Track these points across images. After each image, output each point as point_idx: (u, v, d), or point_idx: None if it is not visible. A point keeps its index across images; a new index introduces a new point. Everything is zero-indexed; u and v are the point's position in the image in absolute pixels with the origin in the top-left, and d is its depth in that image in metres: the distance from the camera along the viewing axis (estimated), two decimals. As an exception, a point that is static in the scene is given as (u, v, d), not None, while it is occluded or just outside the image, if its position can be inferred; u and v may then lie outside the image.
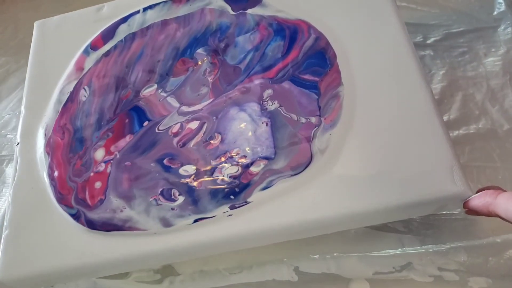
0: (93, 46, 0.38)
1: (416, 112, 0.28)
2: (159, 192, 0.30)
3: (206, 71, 0.34)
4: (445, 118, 0.38)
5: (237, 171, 0.30)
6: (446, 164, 0.27)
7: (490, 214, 0.25)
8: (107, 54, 0.37)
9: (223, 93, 0.33)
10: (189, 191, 0.30)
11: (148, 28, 0.38)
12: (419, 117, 0.28)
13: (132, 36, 0.37)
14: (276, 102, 0.31)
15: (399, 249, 0.31)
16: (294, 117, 0.30)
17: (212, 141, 0.31)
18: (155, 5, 0.38)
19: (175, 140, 0.32)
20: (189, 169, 0.31)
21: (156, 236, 0.29)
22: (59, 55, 0.38)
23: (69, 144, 0.34)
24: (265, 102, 0.32)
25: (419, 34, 0.45)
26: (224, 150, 0.31)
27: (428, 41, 0.44)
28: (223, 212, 0.28)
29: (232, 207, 0.28)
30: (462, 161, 0.36)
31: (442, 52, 0.43)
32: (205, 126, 0.32)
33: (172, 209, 0.29)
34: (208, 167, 0.31)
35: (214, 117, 0.32)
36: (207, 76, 0.34)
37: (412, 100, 0.29)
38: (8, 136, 0.47)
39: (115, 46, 0.37)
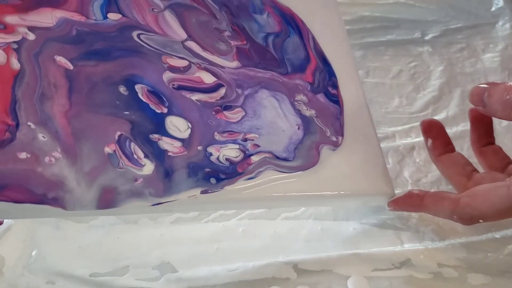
0: None
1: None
2: (117, 138, 0.21)
3: (223, 29, 0.28)
4: (443, 114, 0.38)
5: (238, 156, 0.24)
6: (378, 167, 0.28)
7: (416, 211, 0.29)
8: None
9: (254, 67, 0.27)
10: (160, 156, 0.22)
11: None
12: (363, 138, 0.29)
13: None
14: (313, 111, 0.28)
15: (398, 246, 0.31)
16: (328, 132, 0.28)
17: (227, 112, 0.25)
18: None
19: (169, 74, 0.24)
20: (181, 125, 0.23)
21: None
22: None
23: None
24: (296, 103, 0.28)
25: (417, 30, 0.45)
26: (239, 130, 0.25)
27: (426, 38, 0.44)
28: (189, 197, 0.22)
29: (204, 192, 0.22)
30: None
31: (441, 49, 0.43)
32: (223, 90, 0.25)
33: (136, 180, 0.21)
34: (207, 137, 0.23)
35: (237, 89, 0.26)
36: (226, 36, 0.28)
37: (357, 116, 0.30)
38: None
39: None
